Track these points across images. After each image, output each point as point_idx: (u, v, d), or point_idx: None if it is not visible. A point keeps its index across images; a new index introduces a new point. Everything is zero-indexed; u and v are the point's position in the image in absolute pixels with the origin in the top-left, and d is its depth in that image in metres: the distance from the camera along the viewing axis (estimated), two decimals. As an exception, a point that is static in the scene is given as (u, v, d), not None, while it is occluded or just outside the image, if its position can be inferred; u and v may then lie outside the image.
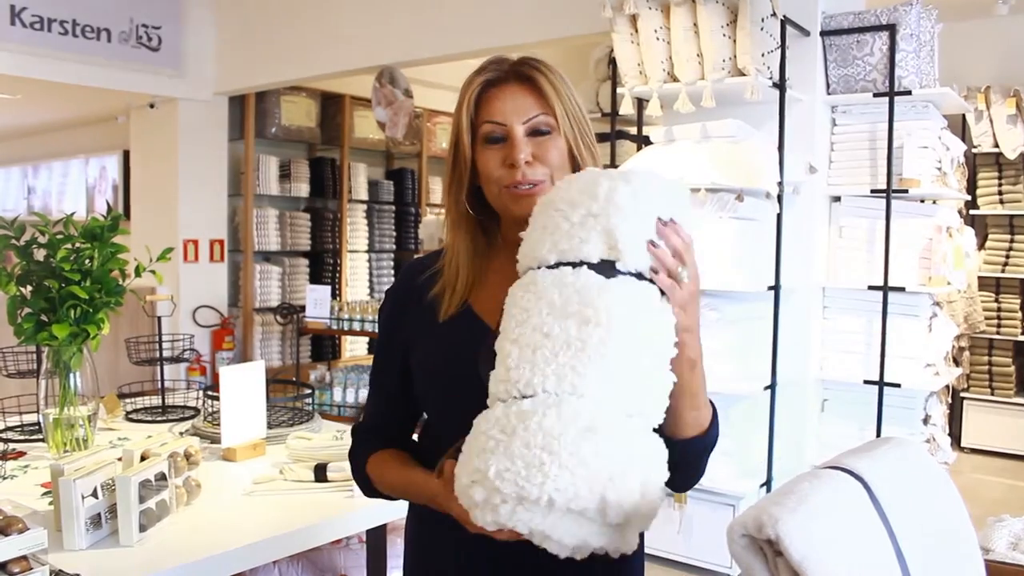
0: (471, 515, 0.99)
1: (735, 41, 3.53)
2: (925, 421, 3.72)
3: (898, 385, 3.60)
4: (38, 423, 2.26)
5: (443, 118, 7.67)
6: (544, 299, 1.01)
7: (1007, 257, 5.78)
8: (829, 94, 3.79)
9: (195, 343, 5.89)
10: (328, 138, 7.14)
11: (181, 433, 2.45)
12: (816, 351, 3.85)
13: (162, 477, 1.73)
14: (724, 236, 3.54)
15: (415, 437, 1.41)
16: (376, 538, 2.25)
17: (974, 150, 5.65)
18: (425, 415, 1.36)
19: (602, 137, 4.58)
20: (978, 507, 1.10)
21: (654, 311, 1.02)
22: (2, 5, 5.23)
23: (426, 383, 1.30)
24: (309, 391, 2.91)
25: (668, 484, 1.31)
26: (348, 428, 2.32)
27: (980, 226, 5.79)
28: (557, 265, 1.04)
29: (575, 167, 1.27)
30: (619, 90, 3.90)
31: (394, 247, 7.74)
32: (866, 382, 3.66)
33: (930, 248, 3.65)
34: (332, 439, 2.24)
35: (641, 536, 1.36)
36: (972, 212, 5.70)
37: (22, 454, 2.28)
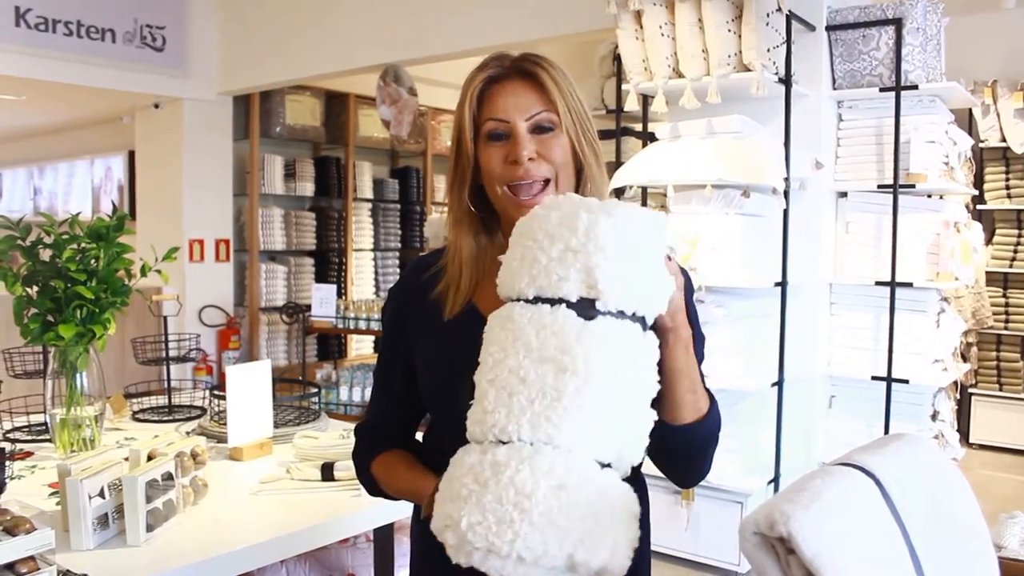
0: (447, 550, 0.99)
1: (740, 36, 3.51)
2: (933, 417, 3.70)
3: (906, 381, 3.58)
4: (45, 423, 2.27)
5: (448, 116, 7.66)
6: (521, 340, 1.00)
7: (1015, 252, 5.76)
8: (835, 89, 3.77)
9: (201, 343, 5.89)
10: (333, 137, 7.13)
11: (188, 433, 2.45)
12: (823, 347, 3.83)
13: (169, 477, 1.73)
14: (730, 232, 3.53)
15: (419, 436, 1.41)
16: (383, 537, 2.24)
17: (981, 144, 5.62)
18: (429, 415, 1.36)
19: (607, 134, 4.57)
20: (987, 503, 1.10)
21: (635, 352, 1.00)
22: (7, 6, 5.24)
23: (431, 382, 1.29)
24: (315, 390, 2.90)
25: (673, 480, 1.30)
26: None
27: (987, 221, 5.76)
28: (536, 300, 1.02)
29: (577, 164, 1.27)
30: (624, 86, 3.89)
31: (399, 246, 7.73)
32: (874, 378, 3.64)
33: (938, 243, 3.63)
34: (339, 438, 2.24)
35: (647, 533, 1.36)
36: (979, 207, 5.67)
37: (29, 454, 2.28)
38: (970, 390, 5.81)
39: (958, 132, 3.91)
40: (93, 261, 2.16)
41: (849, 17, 3.69)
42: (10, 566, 1.35)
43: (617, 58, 4.26)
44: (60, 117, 8.06)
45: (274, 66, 5.95)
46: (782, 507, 0.87)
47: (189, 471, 1.86)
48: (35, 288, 2.14)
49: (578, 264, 0.99)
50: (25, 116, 8.01)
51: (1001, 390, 5.79)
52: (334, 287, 5.91)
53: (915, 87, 3.58)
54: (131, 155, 7.29)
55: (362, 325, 5.59)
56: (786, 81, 3.56)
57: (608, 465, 0.98)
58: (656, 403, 1.04)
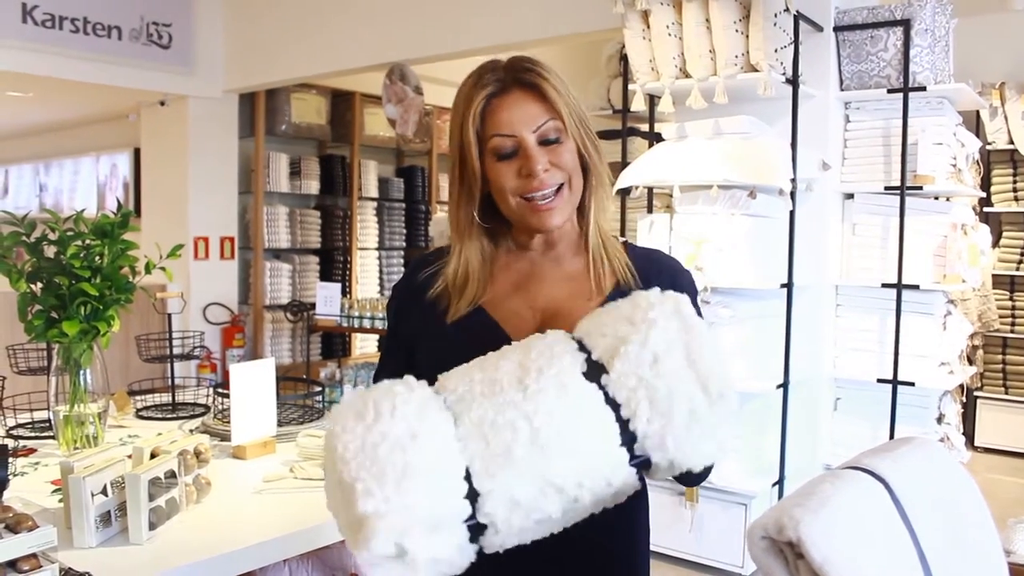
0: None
1: (748, 37, 3.50)
2: (939, 420, 3.69)
3: (912, 384, 3.57)
4: (48, 420, 2.26)
5: (452, 132, 7.65)
6: (526, 345, 1.04)
7: (1022, 255, 5.73)
8: (842, 90, 3.76)
9: (206, 340, 5.89)
10: (338, 135, 7.14)
11: (191, 431, 2.44)
12: (829, 349, 3.82)
13: (172, 475, 1.72)
14: (736, 233, 3.52)
15: None
16: (387, 537, 2.23)
17: (988, 147, 5.60)
18: None
19: (614, 134, 4.56)
20: (993, 507, 1.08)
21: (595, 439, 0.99)
22: (13, 3, 5.24)
23: None
24: (319, 388, 2.89)
25: (681, 480, 1.30)
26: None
27: (994, 223, 5.74)
28: (581, 346, 1.04)
29: (584, 166, 1.27)
30: (631, 86, 3.88)
31: (404, 244, 7.73)
32: (879, 380, 3.63)
33: (944, 245, 3.62)
34: (342, 437, 2.23)
35: (647, 535, 1.36)
36: (986, 209, 5.65)
37: (33, 451, 2.27)
38: (976, 393, 5.79)
39: (966, 134, 3.90)
40: (97, 258, 2.15)
41: (857, 18, 3.68)
42: (12, 563, 1.34)
43: (624, 58, 4.25)
44: (66, 114, 8.07)
45: (280, 64, 5.96)
46: (791, 511, 0.86)
47: (192, 469, 1.85)
48: (39, 284, 2.14)
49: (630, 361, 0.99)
50: (31, 113, 8.02)
51: (1007, 393, 5.76)
52: (338, 285, 5.91)
53: (923, 88, 3.56)
54: (136, 152, 7.31)
55: (366, 324, 5.58)
56: (793, 82, 3.54)
57: (468, 478, 0.96)
58: None
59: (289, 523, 1.79)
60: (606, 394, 0.99)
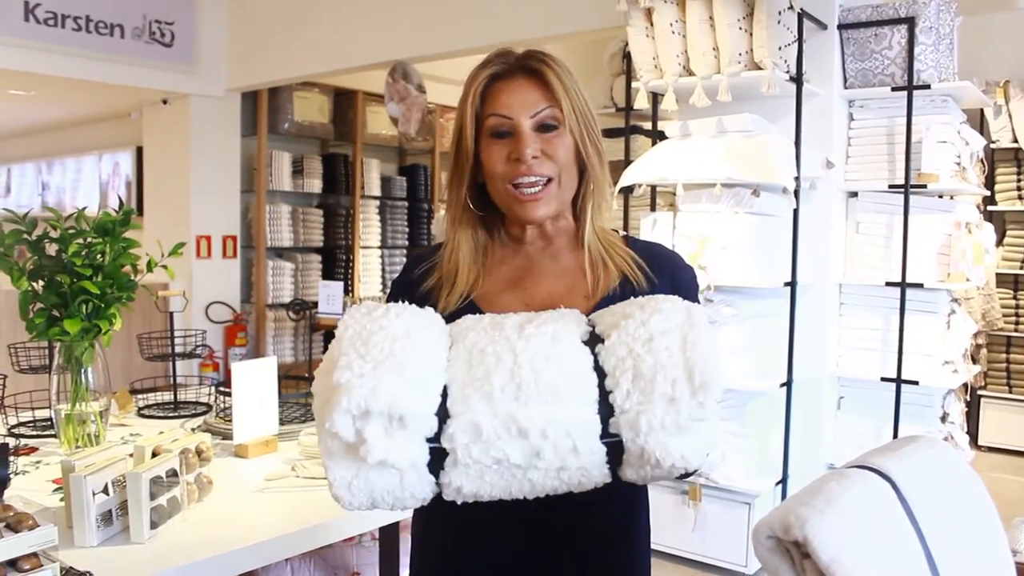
0: None
1: (751, 34, 3.49)
2: (943, 419, 3.67)
3: (916, 382, 3.55)
4: (50, 419, 2.26)
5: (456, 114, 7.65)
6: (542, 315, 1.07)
7: (1026, 253, 5.71)
8: (846, 88, 3.74)
9: (208, 339, 5.89)
10: (341, 134, 7.13)
11: (193, 429, 2.44)
12: (833, 348, 3.81)
13: (173, 474, 1.72)
14: (740, 231, 3.51)
15: None
16: (389, 535, 2.23)
17: (992, 145, 5.58)
18: None
19: (616, 132, 4.55)
20: (997, 506, 1.07)
21: (572, 396, 0.99)
22: (16, 1, 5.24)
23: None
24: (321, 387, 2.89)
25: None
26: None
27: (998, 222, 5.72)
28: (591, 325, 1.06)
29: (580, 165, 1.25)
30: (634, 84, 3.87)
31: (407, 243, 7.73)
32: (883, 379, 3.62)
33: (949, 244, 3.60)
34: (345, 436, 2.22)
35: (647, 534, 1.35)
36: (990, 208, 5.63)
37: (34, 450, 2.27)
38: (979, 392, 5.77)
39: (970, 132, 3.88)
40: (99, 256, 2.14)
41: (861, 16, 3.67)
42: (12, 563, 1.34)
43: (627, 56, 4.24)
44: (68, 112, 8.07)
45: (282, 62, 5.95)
46: (797, 511, 0.85)
47: (194, 468, 1.84)
48: (41, 283, 2.13)
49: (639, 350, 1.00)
50: (33, 111, 8.02)
51: (1011, 392, 5.75)
52: (341, 284, 5.91)
53: (927, 87, 3.55)
54: (139, 151, 7.30)
55: (369, 322, 5.57)
56: (797, 80, 3.53)
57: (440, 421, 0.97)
58: None
59: (291, 522, 1.79)
60: (596, 361, 1.00)
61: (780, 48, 3.47)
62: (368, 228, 7.39)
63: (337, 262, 7.23)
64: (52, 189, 9.06)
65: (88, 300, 2.10)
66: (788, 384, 3.64)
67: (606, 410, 0.97)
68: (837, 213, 3.80)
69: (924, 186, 3.56)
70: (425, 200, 7.80)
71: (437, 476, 0.99)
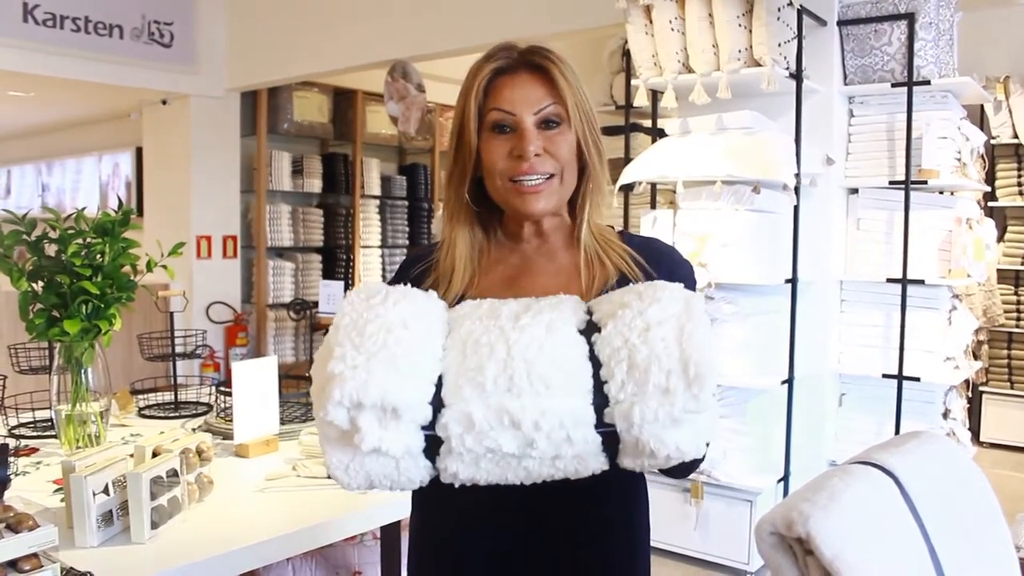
0: None
1: (751, 31, 3.48)
2: (945, 415, 3.67)
3: (917, 379, 3.55)
4: (51, 419, 2.25)
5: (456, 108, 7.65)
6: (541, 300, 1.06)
7: (1027, 249, 5.71)
8: (846, 84, 3.74)
9: (209, 339, 5.89)
10: (340, 134, 7.12)
11: (194, 429, 2.44)
12: (834, 345, 3.80)
13: (174, 474, 1.71)
14: (740, 229, 3.50)
15: None
16: (390, 535, 2.23)
17: (993, 141, 5.57)
18: None
19: (616, 130, 4.54)
20: (999, 503, 1.07)
21: (566, 387, 0.98)
22: (15, 2, 5.24)
23: None
24: (322, 387, 2.88)
25: (667, 473, 1.28)
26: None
27: (999, 218, 5.71)
28: (589, 313, 1.05)
29: (582, 164, 1.25)
30: (633, 82, 3.86)
31: (407, 242, 7.73)
32: (885, 376, 3.61)
33: (949, 240, 3.60)
34: (345, 435, 2.22)
35: (647, 531, 1.34)
36: (990, 204, 5.63)
37: (35, 450, 2.27)
38: (981, 388, 5.76)
39: (971, 128, 3.87)
40: (98, 256, 2.14)
41: (861, 12, 3.66)
42: (12, 563, 1.33)
43: (626, 53, 4.23)
44: (68, 113, 8.07)
45: (282, 62, 5.95)
46: (800, 507, 0.85)
47: (194, 468, 1.84)
48: (40, 283, 2.13)
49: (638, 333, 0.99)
50: (33, 112, 8.02)
51: (1012, 388, 5.74)
52: (341, 284, 5.91)
53: (927, 82, 3.54)
54: (139, 151, 7.30)
55: (369, 322, 5.56)
56: (797, 76, 3.52)
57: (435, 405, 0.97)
58: None
59: (292, 521, 1.78)
60: (592, 350, 1.00)
61: (780, 45, 3.47)
62: (368, 227, 7.39)
63: (337, 262, 7.23)
64: (52, 190, 9.06)
65: (88, 300, 2.10)
66: (789, 381, 3.64)
67: (601, 400, 0.97)
68: (838, 210, 3.79)
69: (924, 182, 3.56)
70: (425, 199, 7.79)
71: (433, 461, 0.99)
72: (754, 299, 3.63)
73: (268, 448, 2.26)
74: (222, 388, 2.56)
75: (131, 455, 1.75)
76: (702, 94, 3.55)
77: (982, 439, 5.74)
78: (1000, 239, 5.69)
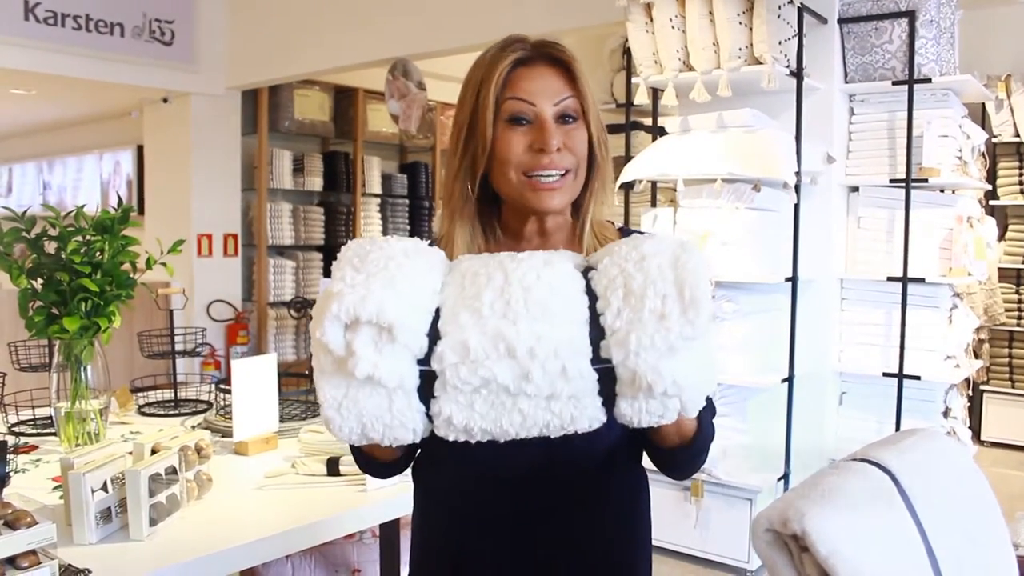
0: None
1: (751, 29, 3.48)
2: (945, 414, 3.67)
3: (918, 378, 3.54)
4: (50, 417, 2.26)
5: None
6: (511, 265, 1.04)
7: (1028, 248, 5.70)
8: (847, 82, 3.73)
9: (210, 338, 5.89)
10: (341, 132, 7.12)
11: (193, 427, 2.44)
12: (834, 343, 3.80)
13: (172, 471, 1.71)
14: (741, 227, 3.50)
15: None
16: (389, 532, 2.23)
17: (994, 139, 5.56)
18: None
19: (617, 128, 4.54)
20: (999, 501, 1.07)
21: (562, 316, 0.97)
22: (16, 1, 5.24)
23: None
24: (322, 384, 2.88)
25: (667, 471, 1.27)
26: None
27: (1000, 216, 5.70)
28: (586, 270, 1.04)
29: (592, 162, 1.22)
30: (634, 80, 3.86)
31: (408, 241, 7.72)
32: (885, 375, 3.61)
33: (950, 238, 3.59)
34: (345, 432, 2.22)
35: (648, 529, 1.34)
36: (992, 202, 5.61)
37: (34, 448, 2.27)
38: (982, 387, 5.76)
39: (971, 126, 3.87)
40: (98, 254, 2.14)
41: (862, 10, 3.65)
42: (11, 560, 1.33)
43: (627, 51, 4.23)
44: (69, 112, 8.07)
45: (282, 60, 5.94)
46: (796, 504, 0.84)
47: (193, 465, 1.84)
48: (40, 281, 2.13)
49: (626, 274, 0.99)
50: (34, 111, 8.03)
51: (1013, 387, 5.74)
52: (342, 282, 5.89)
53: (928, 81, 3.54)
54: (140, 150, 7.30)
55: (370, 320, 5.56)
56: (797, 74, 3.52)
57: (428, 359, 0.96)
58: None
59: (291, 519, 1.78)
60: (588, 286, 0.99)
61: (780, 43, 3.47)
62: (369, 226, 7.39)
63: (338, 260, 7.23)
64: (54, 188, 9.07)
65: (87, 298, 2.10)
66: (790, 380, 3.63)
67: (597, 333, 0.96)
68: (838, 208, 3.79)
69: (925, 180, 3.55)
70: (426, 197, 7.79)
71: (428, 407, 0.98)
72: (754, 297, 3.63)
73: (267, 446, 2.26)
74: (222, 386, 2.56)
75: (130, 452, 1.75)
76: (702, 92, 3.55)
77: (983, 438, 5.74)
78: (1001, 238, 5.69)
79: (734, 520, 3.61)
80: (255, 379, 2.27)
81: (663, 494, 3.66)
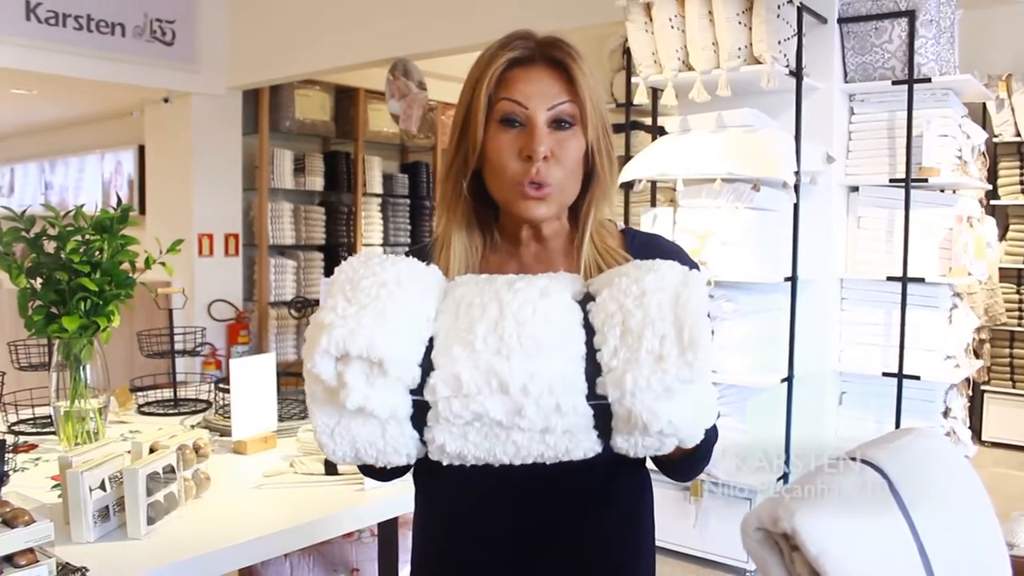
0: None
1: (751, 29, 3.48)
2: (945, 414, 3.67)
3: (917, 378, 3.54)
4: (50, 416, 2.26)
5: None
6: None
7: (1029, 248, 5.69)
8: (847, 82, 3.73)
9: (211, 337, 5.89)
10: (342, 132, 7.12)
11: (192, 426, 2.44)
12: (834, 343, 3.80)
13: (171, 470, 1.72)
14: (740, 227, 3.50)
15: None
16: (388, 531, 2.23)
17: (995, 139, 5.56)
18: None
19: (616, 128, 4.54)
20: (999, 501, 1.07)
21: (558, 352, 0.95)
22: (17, 1, 5.24)
23: None
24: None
25: (669, 475, 1.27)
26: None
27: (1000, 216, 5.68)
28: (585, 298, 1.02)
29: (587, 170, 1.19)
30: (633, 80, 3.86)
31: (409, 240, 7.72)
32: (885, 374, 3.61)
33: (950, 238, 3.59)
34: (343, 432, 2.22)
35: (651, 530, 1.34)
36: (992, 202, 5.60)
37: (34, 447, 2.27)
38: (983, 387, 5.75)
39: (972, 126, 3.87)
40: (97, 253, 2.15)
41: (861, 9, 3.65)
42: (9, 558, 1.34)
43: (626, 51, 4.23)
44: (70, 111, 8.08)
45: (283, 60, 5.95)
46: (786, 502, 0.85)
47: (191, 464, 1.84)
48: (39, 280, 2.14)
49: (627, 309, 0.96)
50: (35, 110, 8.03)
51: (1014, 387, 5.73)
52: (343, 282, 5.89)
53: (928, 80, 3.53)
54: (141, 149, 7.30)
55: (370, 320, 5.56)
56: (797, 74, 3.52)
57: (425, 381, 0.95)
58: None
59: (289, 518, 1.79)
60: (586, 318, 0.97)
61: (780, 42, 3.47)
62: (370, 226, 7.39)
63: (339, 260, 7.18)
64: (55, 188, 9.07)
65: (86, 297, 2.11)
66: (789, 379, 3.63)
67: (593, 369, 0.94)
68: (838, 208, 3.79)
69: (925, 180, 3.55)
70: (427, 197, 7.79)
71: (421, 433, 0.97)
72: (754, 297, 3.63)
73: (266, 445, 2.27)
74: (221, 385, 2.57)
75: (128, 451, 1.76)
76: (702, 92, 3.55)
77: (984, 438, 5.73)
78: (1002, 238, 5.68)
79: (734, 520, 3.60)
80: (254, 378, 2.28)
81: (663, 494, 3.66)
